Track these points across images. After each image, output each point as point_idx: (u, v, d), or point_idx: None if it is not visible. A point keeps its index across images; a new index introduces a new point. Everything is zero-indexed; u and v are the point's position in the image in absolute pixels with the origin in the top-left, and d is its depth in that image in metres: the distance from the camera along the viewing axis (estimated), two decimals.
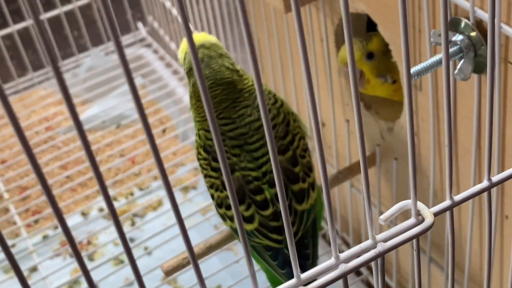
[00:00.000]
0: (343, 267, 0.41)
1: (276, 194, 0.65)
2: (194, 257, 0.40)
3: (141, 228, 1.02)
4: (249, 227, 0.67)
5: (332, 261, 0.41)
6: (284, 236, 0.65)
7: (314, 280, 0.41)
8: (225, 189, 0.67)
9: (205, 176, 0.69)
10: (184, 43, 0.69)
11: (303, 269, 0.68)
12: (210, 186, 0.69)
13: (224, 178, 0.37)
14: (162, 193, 1.06)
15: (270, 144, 0.37)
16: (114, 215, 0.35)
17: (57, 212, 0.33)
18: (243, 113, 0.66)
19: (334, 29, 0.75)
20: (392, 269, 0.84)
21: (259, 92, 0.35)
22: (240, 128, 0.66)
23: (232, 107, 0.66)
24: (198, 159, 0.69)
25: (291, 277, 0.69)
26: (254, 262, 0.72)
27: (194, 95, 0.67)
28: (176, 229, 0.96)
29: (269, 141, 0.37)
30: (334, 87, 0.79)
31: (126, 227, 1.02)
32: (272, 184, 0.66)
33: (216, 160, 0.66)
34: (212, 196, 0.70)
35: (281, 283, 0.48)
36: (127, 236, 1.01)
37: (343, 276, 0.41)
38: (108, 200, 0.34)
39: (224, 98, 0.65)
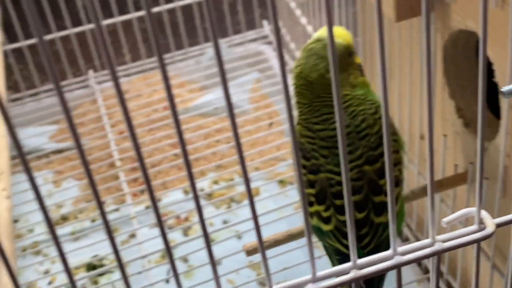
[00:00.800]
0: (398, 259, 0.43)
1: (356, 202, 0.66)
2: (262, 245, 0.43)
3: (236, 212, 1.07)
4: (325, 227, 0.69)
5: (389, 252, 0.44)
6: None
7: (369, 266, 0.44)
8: (310, 186, 0.69)
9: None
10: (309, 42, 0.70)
11: (371, 280, 0.69)
12: None
13: (295, 172, 0.40)
14: (261, 183, 1.11)
15: (342, 150, 0.40)
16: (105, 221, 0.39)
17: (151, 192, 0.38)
18: (329, 118, 0.67)
19: (443, 44, 0.76)
20: (457, 274, 0.84)
21: (337, 98, 0.39)
22: (328, 131, 0.67)
23: (317, 110, 0.68)
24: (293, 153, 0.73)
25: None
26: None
27: (295, 90, 0.69)
28: (267, 218, 1.00)
29: (340, 147, 0.40)
30: (436, 101, 0.80)
31: (222, 210, 1.08)
32: (353, 192, 0.66)
33: (306, 158, 0.68)
34: (299, 191, 0.73)
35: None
36: (222, 218, 1.06)
37: (397, 267, 0.43)
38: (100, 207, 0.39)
39: (302, 94, 0.67)
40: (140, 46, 1.32)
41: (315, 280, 0.43)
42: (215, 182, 1.13)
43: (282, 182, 1.11)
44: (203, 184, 1.13)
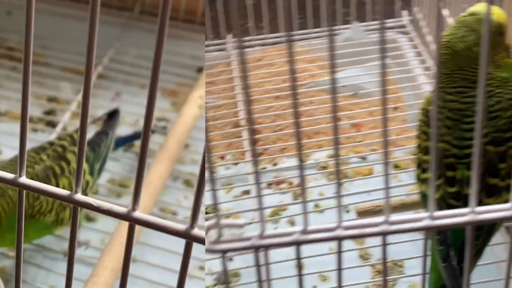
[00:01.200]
0: None
1: (466, 178, 0.67)
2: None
3: (346, 187, 1.10)
4: None
5: (508, 204, 0.46)
6: None
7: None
8: (426, 153, 0.70)
9: (416, 136, 0.74)
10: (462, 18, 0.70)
11: (464, 256, 0.69)
12: (417, 146, 0.73)
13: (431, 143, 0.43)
14: (375, 163, 1.13)
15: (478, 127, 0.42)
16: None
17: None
18: (464, 91, 0.68)
19: None
20: None
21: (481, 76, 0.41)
22: (459, 103, 0.69)
23: (455, 81, 0.69)
24: (418, 120, 0.74)
25: (445, 257, 0.68)
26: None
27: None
28: (377, 195, 1.02)
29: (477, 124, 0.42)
30: None
31: (334, 182, 1.11)
32: (468, 168, 0.67)
33: (429, 125, 0.70)
34: (415, 155, 0.74)
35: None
36: (333, 190, 1.09)
37: None
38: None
39: (445, 63, 0.69)
40: (280, 21, 1.37)
41: (432, 217, 0.46)
42: (331, 156, 1.16)
43: (396, 167, 1.13)
44: (319, 155, 1.16)
